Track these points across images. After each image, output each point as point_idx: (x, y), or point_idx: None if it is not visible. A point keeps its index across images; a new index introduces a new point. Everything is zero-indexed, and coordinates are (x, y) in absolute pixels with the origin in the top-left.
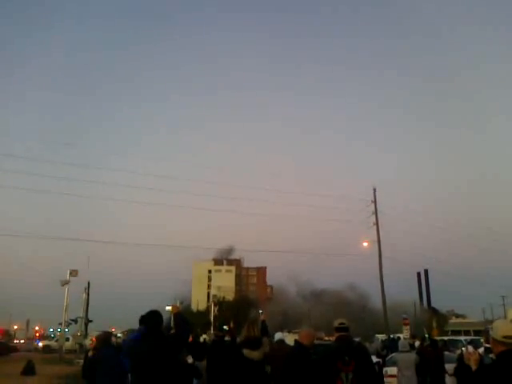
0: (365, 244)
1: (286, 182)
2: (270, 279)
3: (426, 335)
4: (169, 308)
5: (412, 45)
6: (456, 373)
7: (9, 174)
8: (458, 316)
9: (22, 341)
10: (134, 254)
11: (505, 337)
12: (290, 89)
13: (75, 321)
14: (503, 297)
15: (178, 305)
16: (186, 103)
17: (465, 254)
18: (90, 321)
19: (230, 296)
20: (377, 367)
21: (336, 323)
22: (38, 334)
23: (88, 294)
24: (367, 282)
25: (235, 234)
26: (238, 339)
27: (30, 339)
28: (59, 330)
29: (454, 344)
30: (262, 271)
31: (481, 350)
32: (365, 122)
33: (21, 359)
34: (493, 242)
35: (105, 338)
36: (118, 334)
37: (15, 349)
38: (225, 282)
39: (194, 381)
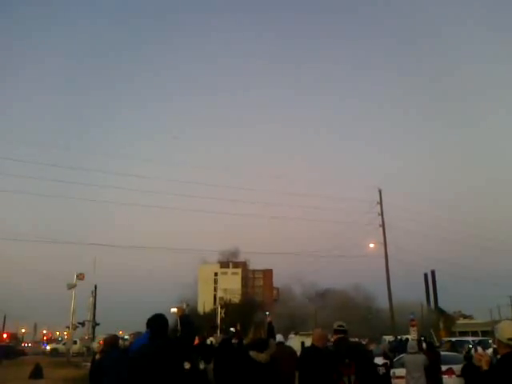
0: (371, 245)
1: (290, 183)
2: (276, 281)
3: (422, 338)
4: (174, 310)
5: (413, 44)
6: (463, 372)
7: (14, 178)
8: (465, 317)
9: (29, 344)
10: (140, 257)
11: (510, 339)
12: (292, 89)
13: (82, 324)
14: (511, 297)
15: (184, 307)
16: (188, 104)
17: (472, 254)
18: (98, 324)
19: (237, 298)
20: (384, 368)
21: (335, 325)
22: (45, 338)
23: (95, 298)
24: (374, 283)
25: (240, 236)
26: (245, 341)
27: (38, 343)
28: (65, 333)
29: (462, 345)
30: (268, 273)
31: (489, 350)
32: (369, 123)
33: (28, 363)
34: (500, 242)
35: (112, 341)
36: (126, 337)
37: (23, 352)
38: (231, 285)
39: None
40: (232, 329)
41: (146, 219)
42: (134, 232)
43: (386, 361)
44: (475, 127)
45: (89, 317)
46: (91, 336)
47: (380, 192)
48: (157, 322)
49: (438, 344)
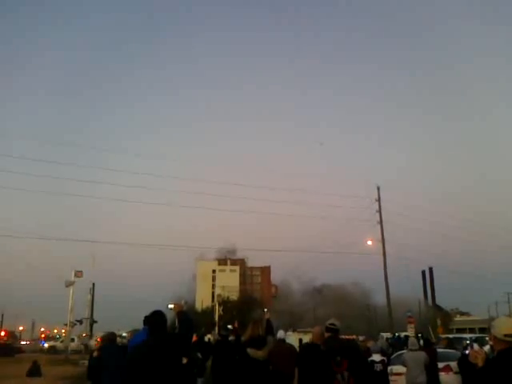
0: (369, 242)
1: (288, 180)
2: (275, 278)
3: (419, 334)
4: (171, 306)
5: (414, 40)
6: (459, 365)
7: (11, 175)
8: (462, 314)
9: (27, 342)
10: (138, 254)
11: (506, 335)
12: (290, 86)
13: (80, 322)
14: (508, 294)
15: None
16: (186, 102)
17: (469, 251)
18: (95, 321)
19: (235, 295)
20: (381, 365)
21: (327, 323)
22: (43, 335)
23: (93, 295)
24: (372, 280)
25: (238, 233)
26: (243, 338)
27: (35, 340)
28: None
29: (459, 342)
30: (266, 270)
31: (487, 347)
32: (369, 120)
33: (26, 360)
34: (497, 238)
35: (110, 338)
36: (123, 334)
37: (20, 350)
38: (229, 282)
39: (199, 380)
40: (229, 326)
41: (144, 216)
42: (131, 229)
43: (383, 357)
44: (475, 125)
45: (86, 314)
46: (89, 334)
47: (378, 189)
48: (155, 318)
49: (434, 341)
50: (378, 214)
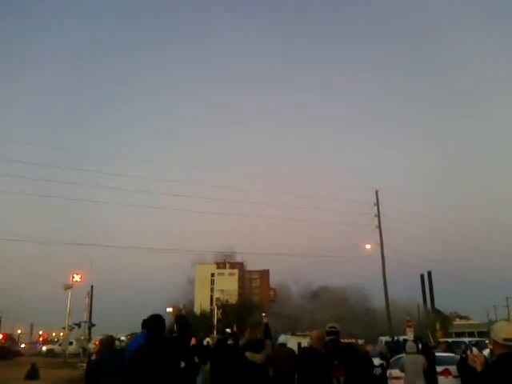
0: (368, 246)
1: (286, 184)
2: (273, 282)
3: (417, 338)
4: (169, 310)
5: (415, 41)
6: (459, 368)
7: (10, 178)
8: (461, 317)
9: (24, 345)
10: (137, 257)
11: (506, 339)
12: (290, 88)
13: (79, 325)
14: (507, 298)
15: (180, 307)
16: (186, 105)
17: (468, 255)
18: (93, 325)
19: (233, 299)
20: (381, 369)
21: (327, 327)
22: (41, 339)
23: (91, 298)
24: (371, 284)
25: (236, 237)
26: (241, 342)
27: (34, 343)
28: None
29: (458, 345)
30: (264, 274)
31: (486, 351)
32: (368, 123)
33: (24, 363)
34: (496, 243)
35: (108, 341)
36: (122, 338)
37: (19, 353)
38: (228, 286)
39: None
40: (228, 330)
41: (143, 220)
42: (130, 233)
43: (382, 361)
44: (477, 129)
45: (85, 318)
46: (87, 337)
47: (377, 193)
48: (154, 322)
49: (433, 344)
50: (376, 219)
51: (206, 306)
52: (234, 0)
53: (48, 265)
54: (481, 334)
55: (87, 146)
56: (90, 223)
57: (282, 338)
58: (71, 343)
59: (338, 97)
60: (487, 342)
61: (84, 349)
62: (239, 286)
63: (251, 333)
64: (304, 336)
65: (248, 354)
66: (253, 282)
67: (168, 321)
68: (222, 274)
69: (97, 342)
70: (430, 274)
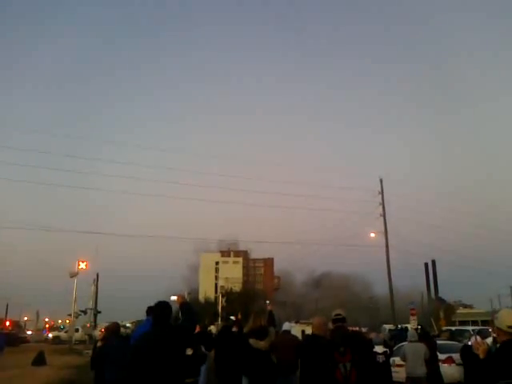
0: (372, 235)
1: (291, 172)
2: (277, 270)
3: (419, 326)
4: (174, 298)
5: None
6: (462, 355)
7: (15, 166)
8: (465, 306)
9: (31, 332)
10: (142, 245)
11: (509, 326)
12: (294, 77)
13: (84, 312)
14: (511, 286)
15: (185, 295)
16: (189, 94)
17: (472, 244)
18: (99, 312)
19: (238, 287)
20: (384, 357)
21: (333, 314)
22: (47, 326)
23: (97, 286)
24: (375, 272)
25: (241, 225)
26: (245, 329)
27: (40, 330)
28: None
29: (461, 334)
30: (269, 262)
31: (489, 339)
32: (372, 112)
33: (31, 350)
34: (501, 231)
35: (114, 328)
36: (127, 324)
37: (25, 340)
38: (232, 274)
39: (202, 368)
40: (232, 317)
41: (148, 208)
42: (135, 221)
43: (385, 349)
44: (479, 118)
45: (91, 305)
46: (93, 324)
47: (381, 181)
48: (160, 309)
49: (437, 333)
50: (381, 207)
51: (211, 294)
52: None
53: (54, 253)
54: (484, 323)
55: (93, 135)
56: (96, 211)
57: (285, 326)
58: (77, 330)
59: (342, 87)
60: (490, 330)
61: (90, 335)
62: (243, 274)
63: (255, 320)
64: (308, 324)
65: (252, 341)
66: (257, 270)
67: (173, 309)
68: (227, 262)
69: (102, 329)
70: (434, 262)
